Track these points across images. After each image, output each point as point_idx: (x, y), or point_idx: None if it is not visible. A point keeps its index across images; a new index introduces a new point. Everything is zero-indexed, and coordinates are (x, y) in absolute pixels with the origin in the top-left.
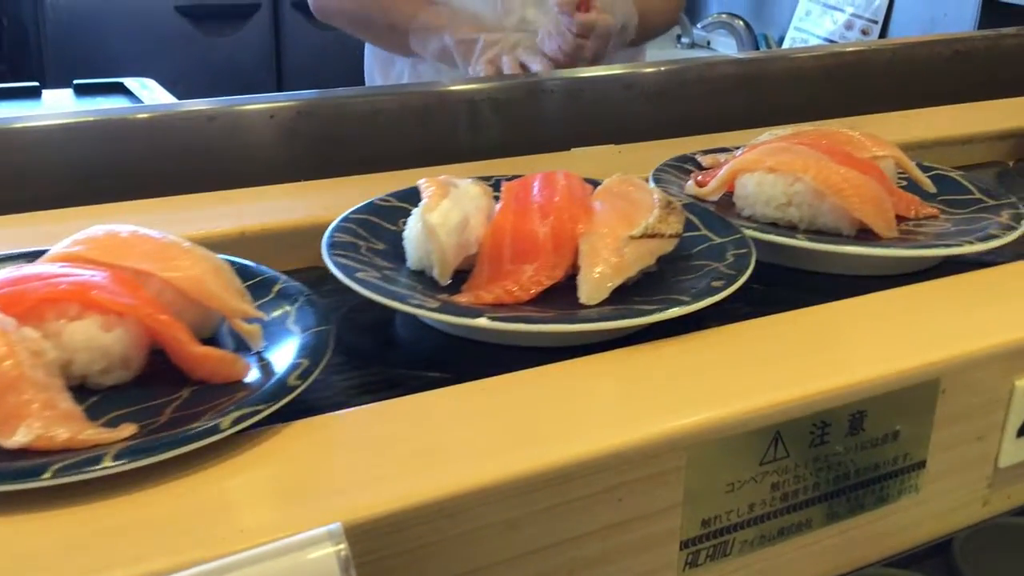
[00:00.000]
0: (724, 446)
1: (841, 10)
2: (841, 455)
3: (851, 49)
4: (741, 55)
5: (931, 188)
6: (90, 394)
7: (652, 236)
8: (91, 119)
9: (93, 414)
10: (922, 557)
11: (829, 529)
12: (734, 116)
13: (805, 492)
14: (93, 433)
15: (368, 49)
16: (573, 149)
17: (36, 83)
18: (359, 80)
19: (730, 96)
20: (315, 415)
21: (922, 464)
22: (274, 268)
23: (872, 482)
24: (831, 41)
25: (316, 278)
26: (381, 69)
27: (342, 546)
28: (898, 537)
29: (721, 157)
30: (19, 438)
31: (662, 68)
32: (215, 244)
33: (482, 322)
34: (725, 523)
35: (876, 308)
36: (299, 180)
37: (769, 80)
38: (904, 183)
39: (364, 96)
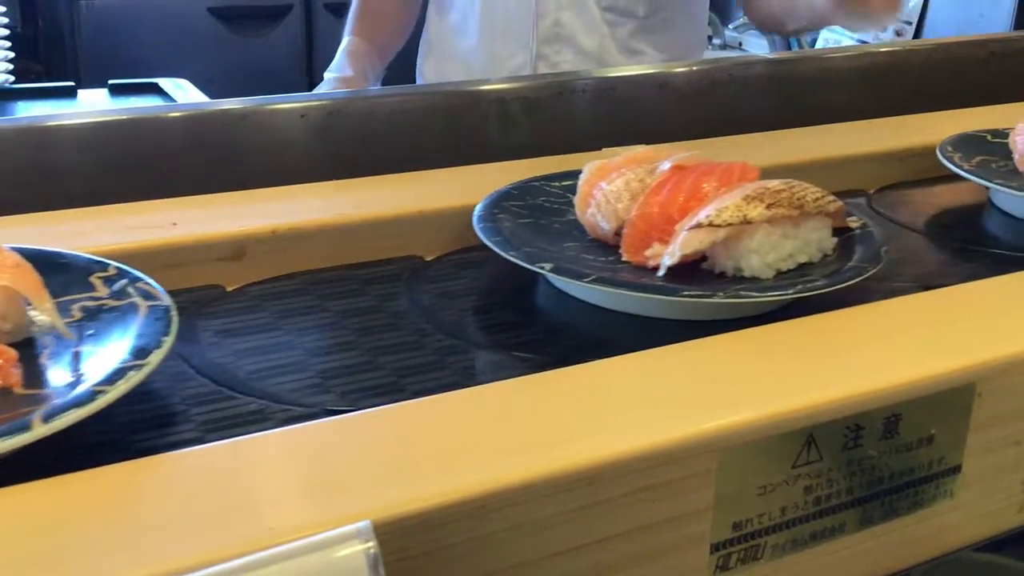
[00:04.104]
0: (756, 449)
1: None
2: (875, 459)
3: (885, 50)
4: (773, 55)
5: None
6: None
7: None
8: (124, 118)
9: None
10: None
11: (863, 534)
12: (766, 117)
13: (838, 496)
14: None
15: (420, 50)
16: (603, 149)
17: (72, 83)
18: (388, 80)
19: (762, 97)
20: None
21: (957, 468)
22: (304, 267)
23: (906, 486)
24: (864, 43)
25: (342, 276)
26: (434, 67)
27: (371, 544)
28: (933, 542)
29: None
30: None
31: (694, 67)
32: (246, 243)
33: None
34: (757, 526)
35: (911, 311)
36: (329, 179)
37: (801, 81)
38: None
39: (394, 96)
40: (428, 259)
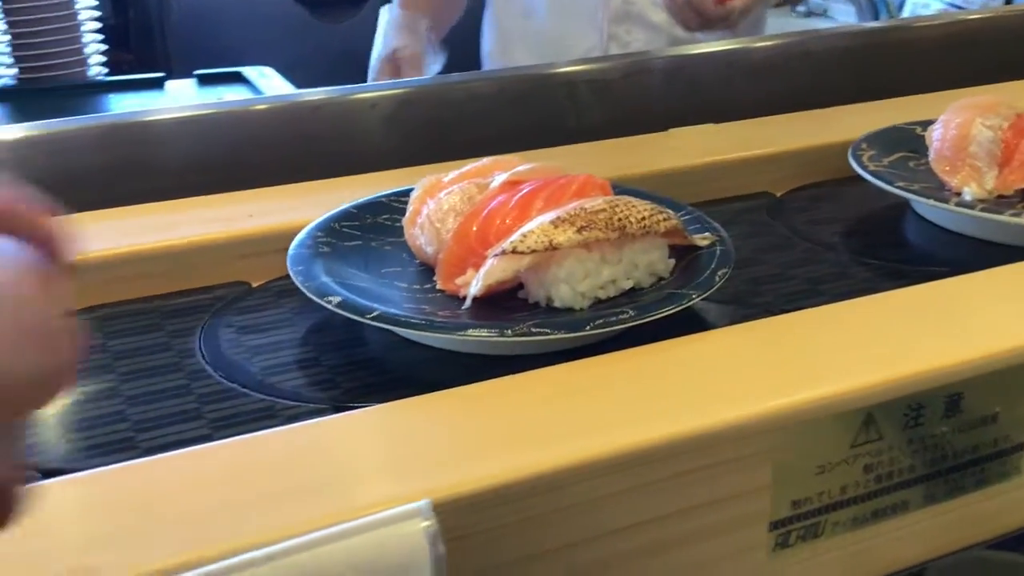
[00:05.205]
0: (814, 428)
1: None
2: (937, 438)
3: (975, 16)
4: (849, 27)
5: None
6: None
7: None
8: (208, 112)
9: None
10: None
11: (926, 511)
12: (842, 92)
13: (900, 474)
14: None
15: (485, 33)
16: (670, 129)
17: (161, 74)
18: (472, 61)
19: (838, 72)
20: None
21: (1022, 446)
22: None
23: (970, 464)
24: (957, 7)
25: None
26: (501, 52)
27: (431, 522)
28: (999, 519)
29: None
30: None
31: (765, 43)
32: None
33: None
34: (816, 504)
35: (972, 288)
36: (401, 167)
37: (881, 54)
38: None
39: (463, 83)
40: None
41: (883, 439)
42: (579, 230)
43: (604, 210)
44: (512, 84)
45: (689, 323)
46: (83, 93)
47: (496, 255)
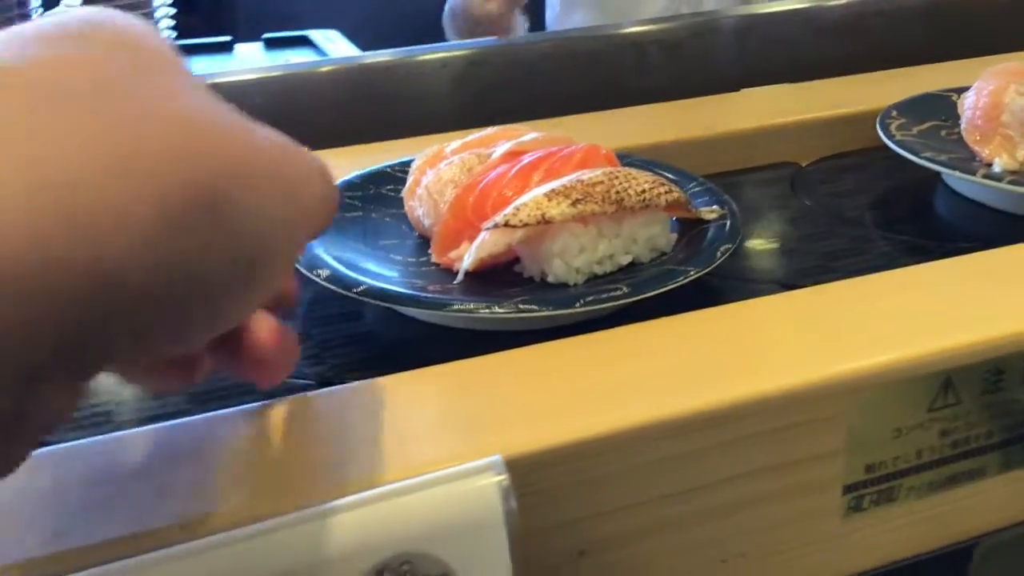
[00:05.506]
0: (890, 392)
1: None
2: (1017, 403)
3: None
4: None
5: None
6: None
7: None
8: (277, 74)
9: None
10: None
11: (1004, 477)
12: (920, 51)
13: (977, 440)
14: None
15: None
16: (742, 89)
17: (229, 38)
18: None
19: (914, 30)
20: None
21: None
22: None
23: None
24: None
25: None
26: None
27: (503, 477)
28: None
29: None
30: None
31: (839, 1)
32: None
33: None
34: (891, 469)
35: None
36: (471, 128)
37: (961, 9)
38: None
39: (531, 43)
40: None
41: (961, 403)
42: (574, 203)
43: (602, 182)
44: (579, 44)
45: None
46: None
47: (489, 228)
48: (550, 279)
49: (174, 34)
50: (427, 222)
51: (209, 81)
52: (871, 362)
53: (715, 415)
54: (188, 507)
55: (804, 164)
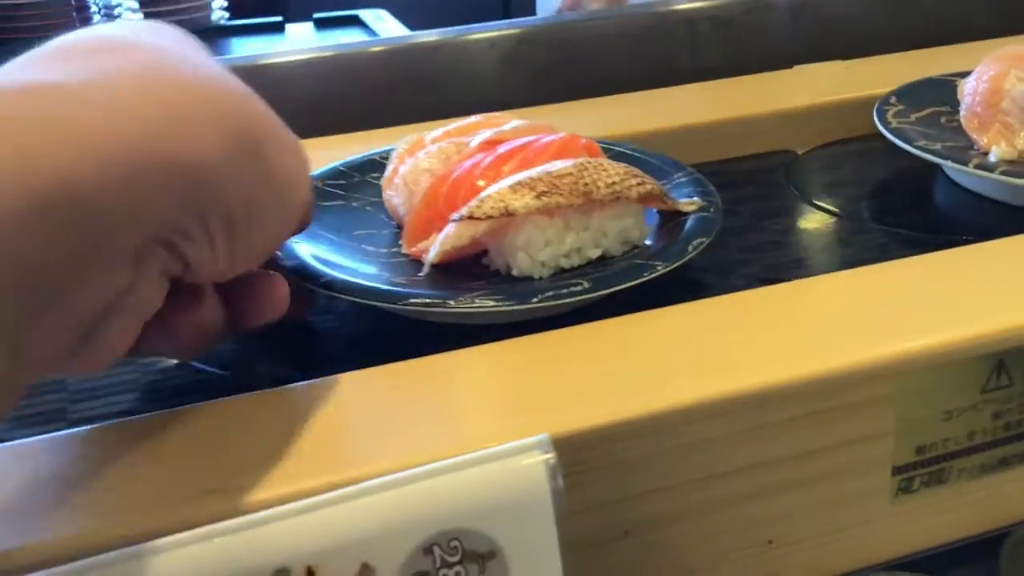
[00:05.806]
0: (942, 373)
1: None
2: None
3: None
4: None
5: None
6: None
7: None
8: (328, 54)
9: None
10: None
11: None
12: (980, 25)
13: None
14: None
15: None
16: (796, 67)
17: (280, 18)
18: None
19: (974, 4)
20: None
21: None
22: None
23: None
24: None
25: None
26: None
27: (550, 455)
28: None
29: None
30: None
31: None
32: None
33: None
34: (942, 451)
35: None
36: (521, 107)
37: None
38: None
39: (582, 22)
40: None
41: (1014, 385)
42: (539, 195)
43: (570, 174)
44: (631, 22)
45: (684, 289)
46: (206, 37)
47: (455, 220)
48: (515, 272)
49: (227, 14)
50: (403, 211)
51: (261, 62)
52: (923, 343)
53: (768, 395)
54: (237, 481)
55: (800, 152)
